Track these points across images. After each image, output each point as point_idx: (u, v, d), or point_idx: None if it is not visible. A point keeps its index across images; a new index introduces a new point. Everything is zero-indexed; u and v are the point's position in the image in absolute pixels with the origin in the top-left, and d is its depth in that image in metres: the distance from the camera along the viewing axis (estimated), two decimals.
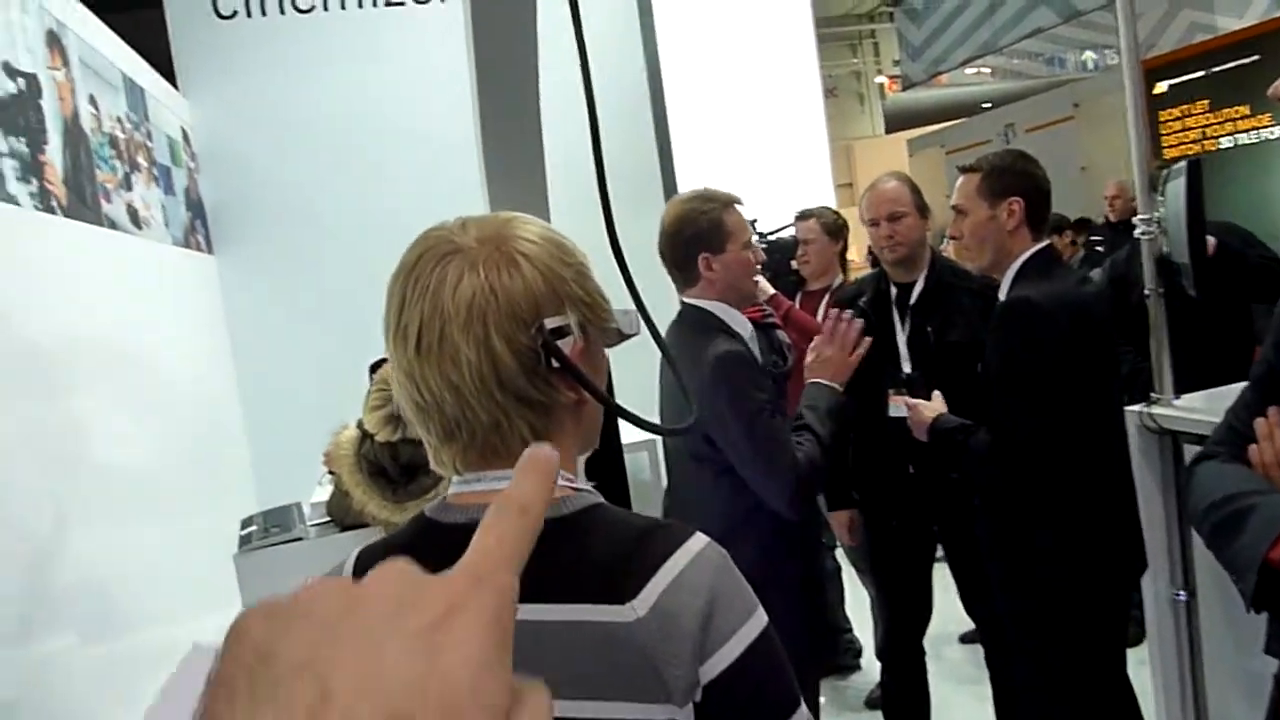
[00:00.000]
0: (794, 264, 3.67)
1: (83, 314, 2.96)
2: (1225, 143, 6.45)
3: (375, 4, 4.97)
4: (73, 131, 3.07)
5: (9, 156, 2.54)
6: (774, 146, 5.51)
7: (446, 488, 2.36)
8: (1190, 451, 2.01)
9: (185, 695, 0.34)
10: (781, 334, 2.53)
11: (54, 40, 3.05)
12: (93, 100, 3.32)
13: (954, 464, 2.34)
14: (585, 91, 1.13)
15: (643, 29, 5.25)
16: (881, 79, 16.60)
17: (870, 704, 3.58)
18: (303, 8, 4.92)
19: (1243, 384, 1.57)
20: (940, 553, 2.89)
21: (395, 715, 0.29)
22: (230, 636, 0.33)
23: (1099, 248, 5.91)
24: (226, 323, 4.86)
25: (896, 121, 15.56)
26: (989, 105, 12.49)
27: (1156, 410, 2.30)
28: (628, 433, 2.17)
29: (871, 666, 3.64)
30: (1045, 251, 2.24)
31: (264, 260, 4.90)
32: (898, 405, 2.51)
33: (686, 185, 5.16)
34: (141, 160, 3.84)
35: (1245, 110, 6.32)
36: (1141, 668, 2.48)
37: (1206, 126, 6.57)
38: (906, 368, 2.69)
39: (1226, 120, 6.44)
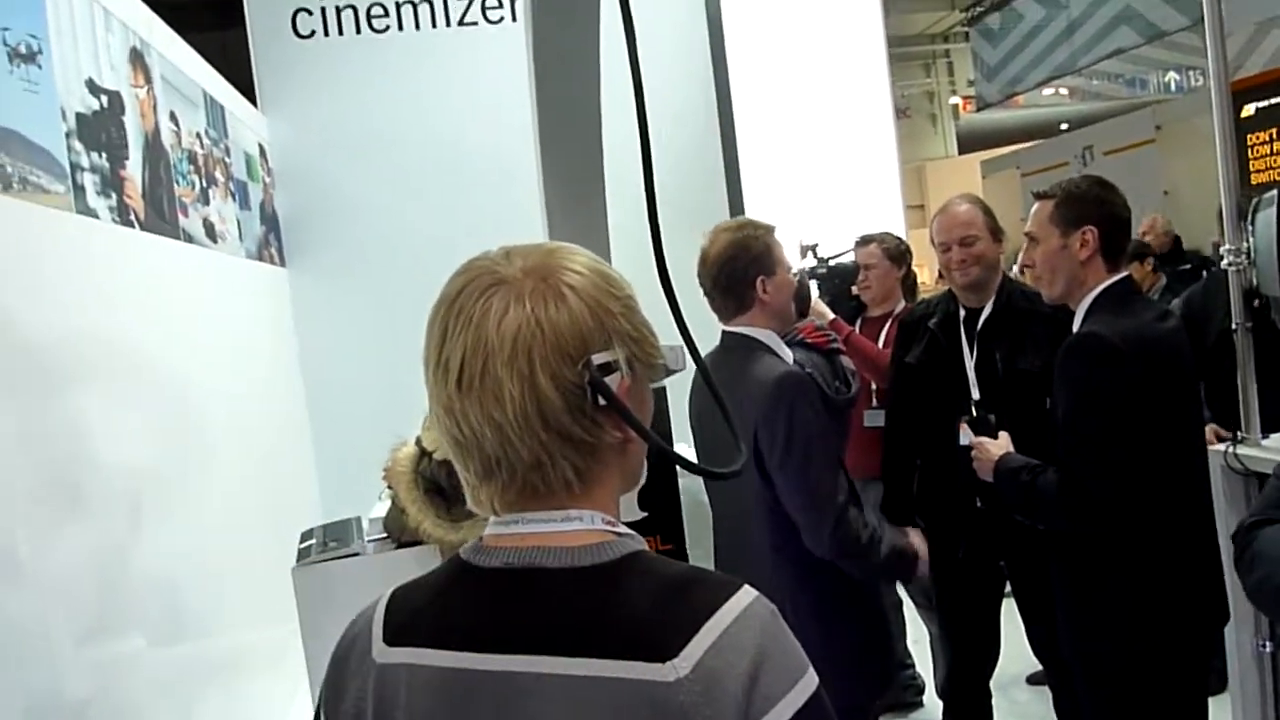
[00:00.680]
0: (854, 289, 3.61)
1: (157, 327, 3.03)
2: None
3: (449, 24, 5.05)
4: (153, 147, 3.16)
5: (90, 171, 2.62)
6: (844, 167, 5.45)
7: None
8: None
9: None
10: (846, 360, 2.48)
11: (137, 58, 3.14)
12: (173, 117, 3.42)
13: (1019, 507, 2.23)
14: (639, 117, 1.11)
15: (712, 49, 5.25)
16: (955, 99, 16.39)
17: None
18: (378, 28, 5.02)
19: None
20: (1008, 588, 2.80)
21: None
22: None
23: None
24: (296, 333, 4.96)
25: (970, 142, 15.34)
26: (1066, 126, 12.22)
27: (1242, 450, 2.19)
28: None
29: (933, 704, 3.53)
30: (1123, 283, 2.14)
31: (334, 273, 5.00)
32: (969, 434, 2.42)
33: (755, 208, 5.15)
34: (219, 175, 3.93)
35: None
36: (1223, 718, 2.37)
37: None
38: (975, 394, 2.62)
39: None
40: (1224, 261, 2.26)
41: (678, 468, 1.69)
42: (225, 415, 3.58)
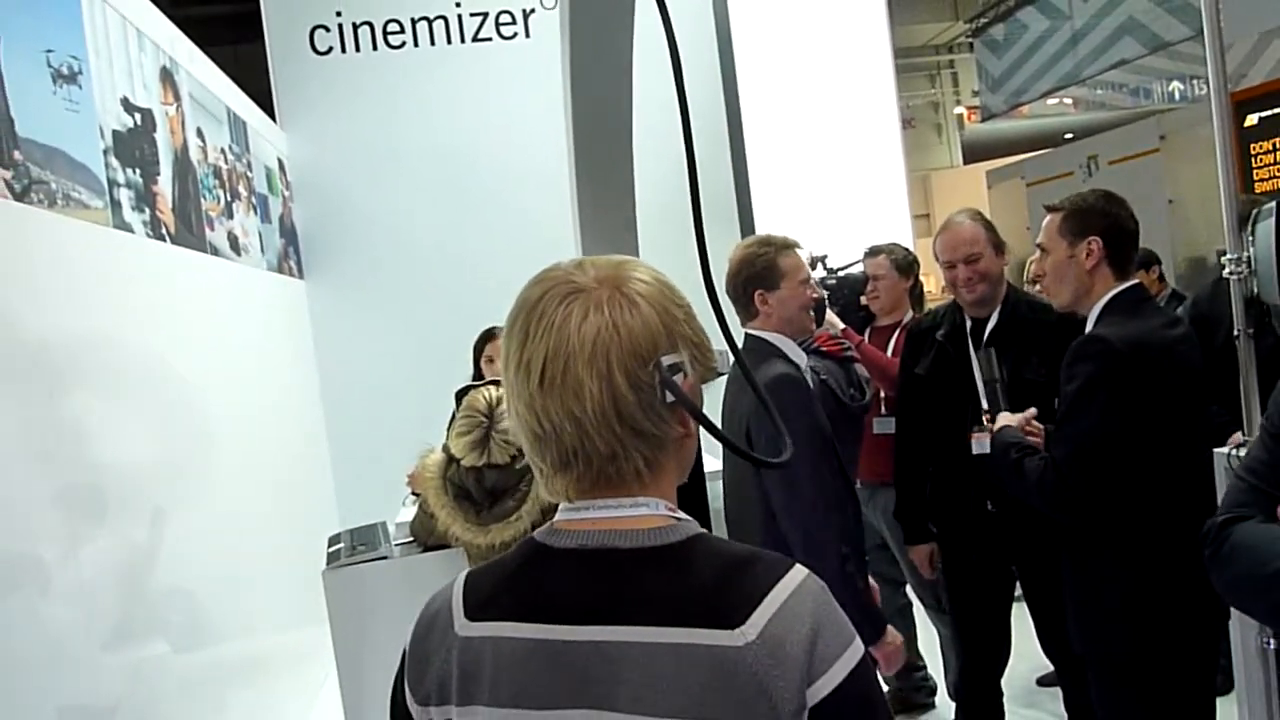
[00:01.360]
0: (863, 299, 3.67)
1: (184, 338, 3.11)
2: None
3: (464, 40, 5.14)
4: (182, 162, 3.24)
5: (126, 187, 2.70)
6: (851, 177, 5.52)
7: (530, 510, 2.41)
8: None
9: None
10: (860, 368, 2.56)
11: (167, 76, 3.23)
12: (200, 133, 3.51)
13: (1005, 480, 2.31)
14: (684, 127, 1.18)
15: (721, 61, 5.33)
16: (960, 109, 16.45)
17: None
18: (394, 44, 5.11)
19: None
20: (1019, 592, 2.86)
21: None
22: None
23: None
24: (314, 344, 5.05)
25: (975, 152, 15.38)
26: (1071, 136, 12.29)
27: (1245, 454, 2.24)
28: (707, 463, 2.23)
29: (945, 705, 3.59)
30: (1132, 291, 2.22)
31: (350, 285, 5.09)
32: (981, 443, 2.50)
33: (763, 217, 5.22)
34: (242, 189, 4.02)
35: None
36: (1230, 718, 2.42)
37: None
38: (985, 403, 2.68)
39: None
40: (1225, 270, 2.32)
41: (705, 473, 1.76)
42: (247, 424, 3.65)
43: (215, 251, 3.53)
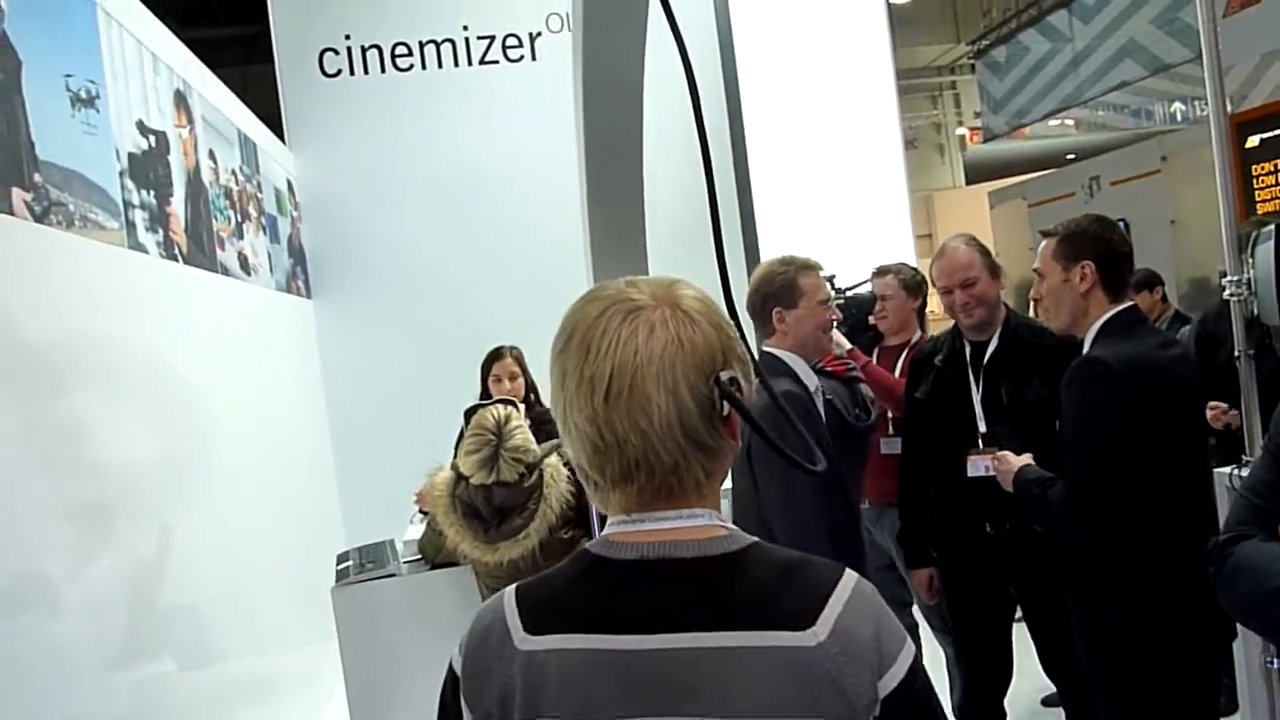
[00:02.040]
0: (871, 319, 3.69)
1: (195, 357, 3.14)
2: None
3: (471, 63, 5.20)
4: (194, 184, 3.29)
5: (140, 209, 2.74)
6: (854, 197, 5.55)
7: (539, 528, 2.44)
8: None
9: None
10: (865, 388, 2.58)
11: (180, 99, 3.28)
12: (212, 154, 3.55)
13: (1033, 517, 2.34)
14: (703, 154, 1.22)
15: (724, 81, 5.38)
16: (962, 130, 16.51)
17: None
18: (402, 67, 5.17)
19: None
20: (1019, 613, 2.87)
21: None
22: None
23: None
24: (321, 363, 5.08)
25: (977, 173, 15.44)
26: (1073, 157, 12.34)
27: (1247, 473, 2.26)
28: None
29: None
30: (1128, 313, 2.25)
31: (358, 305, 5.13)
32: (976, 465, 2.54)
33: (766, 237, 5.25)
34: (252, 210, 4.07)
35: None
36: None
37: None
38: (982, 426, 2.70)
39: None
40: (1226, 292, 2.35)
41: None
42: (255, 441, 3.68)
43: (226, 271, 3.56)
